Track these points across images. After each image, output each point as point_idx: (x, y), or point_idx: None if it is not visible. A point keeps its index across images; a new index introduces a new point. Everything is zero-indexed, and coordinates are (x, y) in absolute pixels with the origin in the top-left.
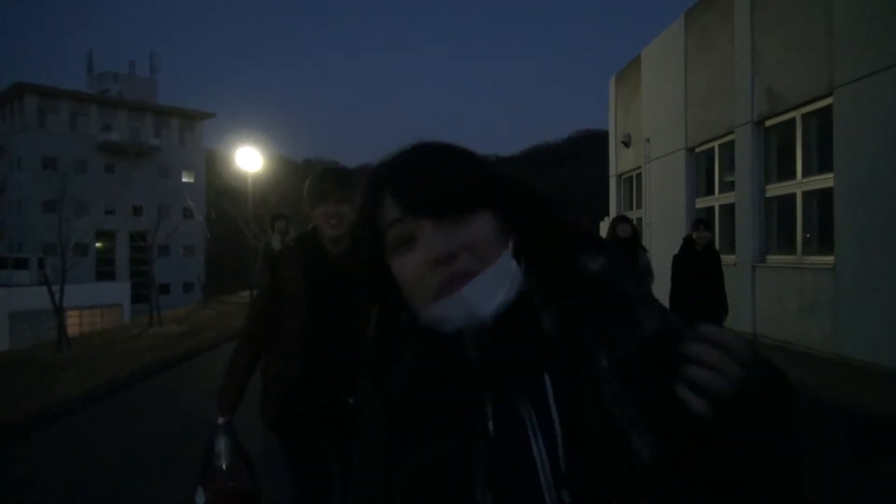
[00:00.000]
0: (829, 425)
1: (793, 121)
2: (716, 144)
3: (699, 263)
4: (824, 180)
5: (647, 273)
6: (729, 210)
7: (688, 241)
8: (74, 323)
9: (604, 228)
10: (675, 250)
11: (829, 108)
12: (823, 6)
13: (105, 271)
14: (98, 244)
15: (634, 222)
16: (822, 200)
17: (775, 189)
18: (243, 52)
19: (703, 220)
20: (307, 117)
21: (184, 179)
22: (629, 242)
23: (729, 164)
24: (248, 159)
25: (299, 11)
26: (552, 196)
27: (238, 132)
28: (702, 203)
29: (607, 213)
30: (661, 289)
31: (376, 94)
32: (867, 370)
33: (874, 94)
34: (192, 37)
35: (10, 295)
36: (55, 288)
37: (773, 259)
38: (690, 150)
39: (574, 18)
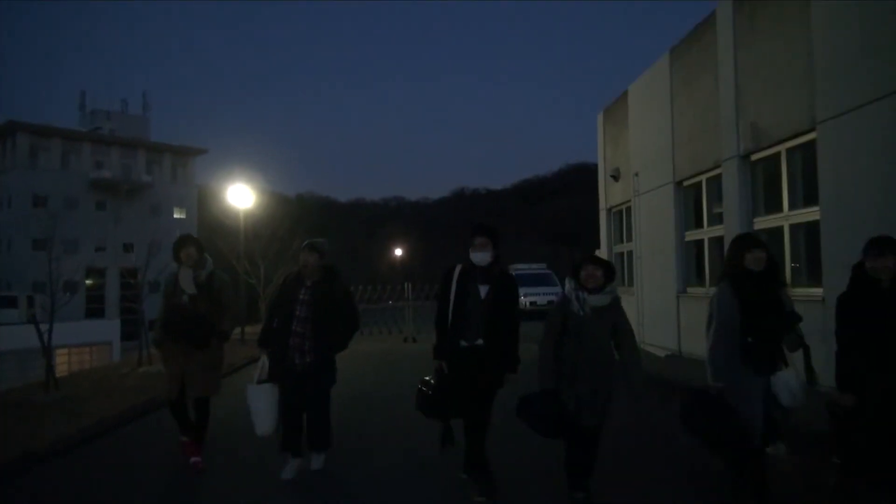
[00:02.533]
0: (820, 456)
1: (778, 155)
2: (703, 178)
3: (885, 304)
4: (811, 213)
5: (793, 318)
6: (718, 243)
7: (860, 274)
8: (63, 361)
9: None
10: (665, 283)
11: (812, 142)
12: (804, 44)
13: (95, 309)
14: (88, 281)
15: (624, 255)
16: (809, 233)
17: (763, 222)
18: (235, 88)
19: (884, 242)
20: (299, 153)
21: (175, 216)
22: (765, 278)
23: (717, 197)
24: (240, 196)
25: (292, 48)
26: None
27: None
28: (691, 236)
29: (598, 246)
30: (659, 330)
31: (368, 130)
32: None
33: (856, 128)
34: (185, 73)
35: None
36: (44, 326)
37: None
38: (678, 183)
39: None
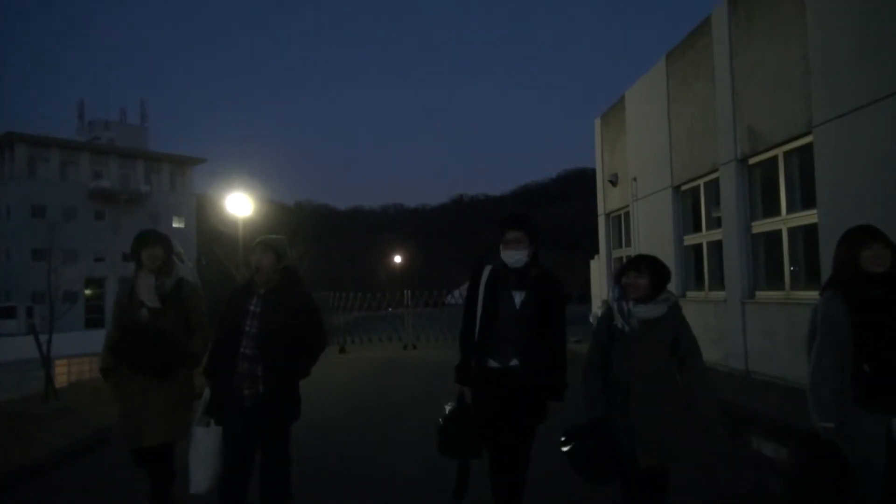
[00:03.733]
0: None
1: (775, 158)
2: (701, 182)
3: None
4: (808, 216)
5: None
6: (716, 247)
7: (851, 276)
8: (63, 372)
9: (596, 268)
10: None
11: (809, 145)
12: (800, 47)
13: (94, 319)
14: (87, 291)
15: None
16: (807, 236)
17: (761, 226)
18: (233, 97)
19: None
20: (298, 161)
21: (174, 225)
22: (891, 283)
23: (714, 201)
24: (239, 204)
25: (290, 56)
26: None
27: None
28: (689, 240)
29: (597, 251)
30: None
31: (366, 137)
32: None
33: (852, 131)
34: (183, 83)
35: None
36: (43, 337)
37: (762, 295)
38: (676, 188)
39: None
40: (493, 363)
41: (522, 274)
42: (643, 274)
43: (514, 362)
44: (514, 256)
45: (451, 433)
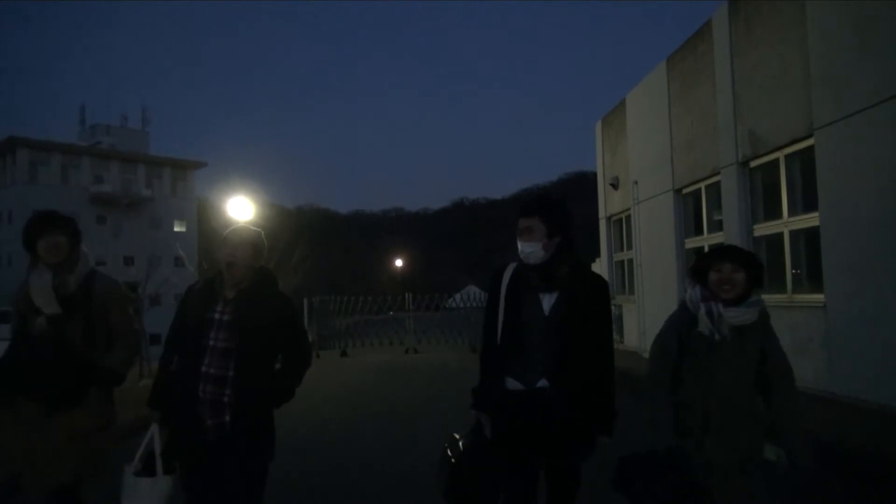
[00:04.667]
0: (826, 464)
1: (776, 161)
2: (702, 185)
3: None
4: (810, 219)
5: None
6: None
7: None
8: None
9: (597, 271)
10: (666, 291)
11: (810, 148)
12: (800, 50)
13: None
14: None
15: (624, 264)
16: (809, 239)
17: (763, 228)
18: (234, 101)
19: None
20: (299, 164)
21: (175, 229)
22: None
23: (716, 204)
24: (240, 208)
25: (290, 60)
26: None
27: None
28: (691, 243)
29: (598, 255)
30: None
31: (367, 141)
32: (861, 408)
33: (853, 134)
34: (184, 87)
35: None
36: None
37: (764, 298)
38: (678, 191)
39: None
40: (514, 384)
41: (546, 272)
42: (740, 267)
43: (542, 383)
44: (523, 249)
45: (465, 477)
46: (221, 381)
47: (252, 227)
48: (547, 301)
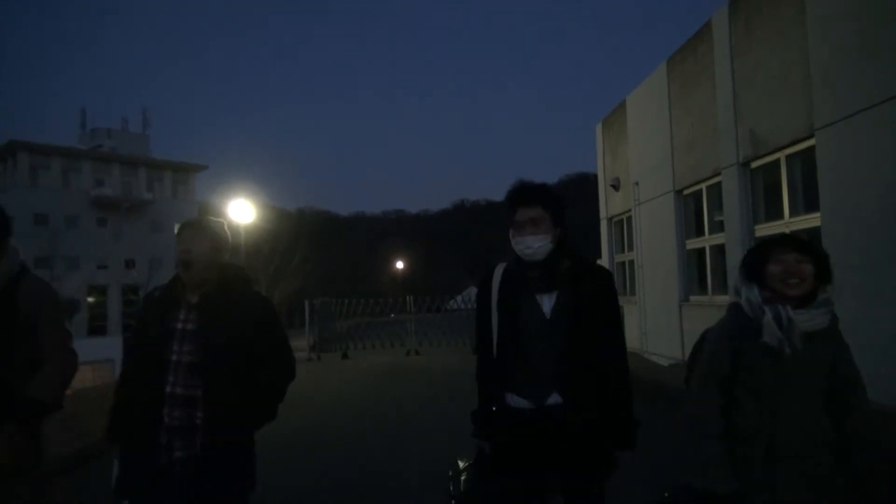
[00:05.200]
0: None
1: (777, 162)
2: (703, 186)
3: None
4: (811, 220)
5: None
6: (719, 250)
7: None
8: None
9: None
10: (667, 292)
11: (811, 149)
12: (801, 50)
13: (97, 326)
14: (90, 299)
15: (626, 265)
16: (810, 239)
17: (764, 229)
18: (235, 104)
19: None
20: (299, 167)
21: (176, 232)
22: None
23: (717, 205)
24: (241, 211)
25: (291, 63)
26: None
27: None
28: (692, 244)
29: (599, 256)
30: (662, 339)
31: (368, 143)
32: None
33: (854, 134)
34: (185, 90)
35: None
36: None
37: None
38: (678, 192)
39: (562, 62)
40: (519, 402)
41: (548, 268)
42: (805, 257)
43: (554, 399)
44: (530, 244)
45: None
46: (190, 402)
47: (212, 218)
48: (547, 302)
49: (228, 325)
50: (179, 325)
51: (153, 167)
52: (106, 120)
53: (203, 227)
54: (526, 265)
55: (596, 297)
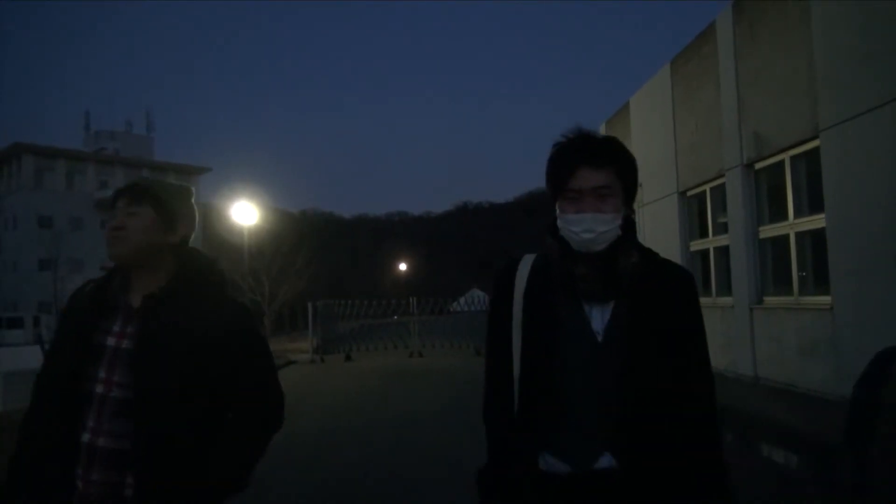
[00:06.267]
0: (833, 466)
1: (781, 163)
2: (707, 188)
3: None
4: (816, 221)
5: None
6: (723, 252)
7: None
8: None
9: None
10: None
11: (816, 150)
12: (805, 51)
13: None
14: None
15: None
16: (815, 241)
17: (768, 230)
18: (239, 106)
19: None
20: (303, 169)
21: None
22: None
23: (721, 206)
24: (244, 213)
25: (294, 65)
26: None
27: (234, 185)
28: (696, 246)
29: None
30: None
31: (371, 145)
32: None
33: (859, 135)
34: (188, 93)
35: (5, 354)
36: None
37: (770, 300)
38: (682, 193)
39: (565, 64)
40: (555, 464)
41: (607, 265)
42: None
43: (605, 461)
44: (591, 226)
45: None
46: (116, 460)
47: (167, 181)
48: (598, 317)
49: (184, 344)
50: (110, 342)
51: (157, 169)
52: (110, 122)
53: (147, 193)
54: (573, 257)
55: (674, 310)
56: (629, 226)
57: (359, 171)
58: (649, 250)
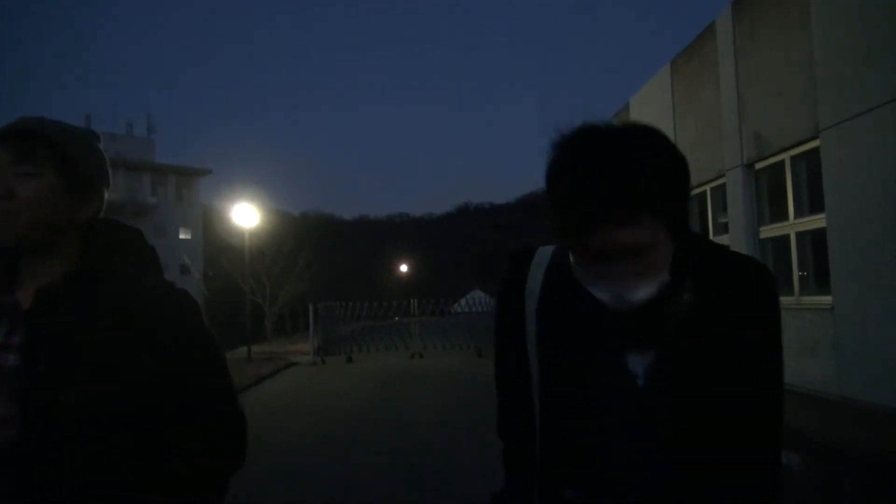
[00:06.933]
0: (834, 466)
1: (782, 163)
2: (707, 188)
3: None
4: (816, 220)
5: None
6: None
7: None
8: None
9: None
10: None
11: (816, 150)
12: (805, 52)
13: None
14: None
15: None
16: (815, 241)
17: (769, 230)
18: (240, 108)
19: None
20: (304, 171)
21: (181, 236)
22: None
23: (721, 206)
24: (245, 215)
25: (295, 67)
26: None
27: (235, 187)
28: None
29: None
30: None
31: (372, 147)
32: (870, 411)
33: (859, 135)
34: (189, 95)
35: None
36: None
37: None
38: None
39: (565, 64)
40: (579, 499)
41: (651, 314)
42: None
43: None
44: (625, 296)
45: None
46: None
47: (62, 122)
48: (638, 361)
49: (95, 355)
50: None
51: (158, 172)
52: (111, 124)
53: (46, 144)
54: (601, 306)
55: (739, 327)
56: (682, 258)
57: (360, 172)
58: (711, 249)
